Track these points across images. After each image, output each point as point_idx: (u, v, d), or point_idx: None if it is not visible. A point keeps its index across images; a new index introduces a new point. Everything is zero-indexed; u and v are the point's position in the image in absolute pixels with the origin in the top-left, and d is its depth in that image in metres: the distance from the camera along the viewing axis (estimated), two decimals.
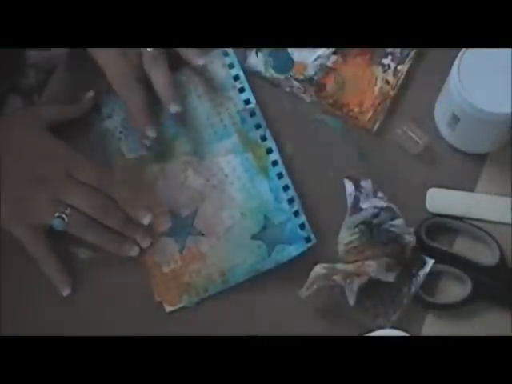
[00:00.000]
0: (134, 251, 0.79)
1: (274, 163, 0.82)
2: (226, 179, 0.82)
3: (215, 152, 0.83)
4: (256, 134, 0.83)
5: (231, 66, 0.85)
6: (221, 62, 0.85)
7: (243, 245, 0.80)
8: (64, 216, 0.76)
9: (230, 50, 0.85)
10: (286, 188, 0.81)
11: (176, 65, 0.84)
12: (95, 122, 0.85)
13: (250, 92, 0.84)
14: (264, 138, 0.83)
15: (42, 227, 0.77)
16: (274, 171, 0.81)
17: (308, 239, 0.79)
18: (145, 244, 0.79)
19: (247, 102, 0.84)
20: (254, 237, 0.80)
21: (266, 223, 0.80)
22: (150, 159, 0.83)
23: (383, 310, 0.78)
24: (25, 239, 0.78)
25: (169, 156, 0.83)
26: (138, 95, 0.79)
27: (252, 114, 0.83)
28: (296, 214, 0.80)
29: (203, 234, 0.80)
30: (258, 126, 0.83)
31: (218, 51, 0.85)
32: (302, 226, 0.79)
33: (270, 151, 0.82)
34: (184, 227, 0.81)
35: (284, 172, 0.81)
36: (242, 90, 0.84)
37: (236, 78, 0.85)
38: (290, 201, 0.80)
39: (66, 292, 0.79)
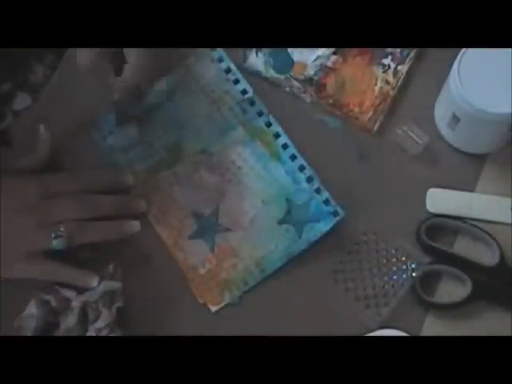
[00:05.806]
0: (136, 226, 0.78)
1: (285, 146, 0.82)
2: (240, 171, 0.82)
3: (223, 147, 0.83)
4: (260, 122, 0.83)
5: (220, 60, 0.85)
6: (209, 58, 0.86)
7: (271, 231, 0.80)
8: (60, 233, 0.75)
9: None
10: (301, 168, 0.82)
11: (168, 65, 0.84)
12: (98, 140, 0.84)
13: (245, 82, 0.84)
14: (269, 124, 0.83)
15: (43, 253, 0.77)
16: (285, 154, 0.82)
17: (336, 213, 0.80)
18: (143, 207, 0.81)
19: (244, 92, 0.84)
20: (280, 221, 0.80)
21: (289, 206, 0.81)
22: (160, 166, 0.83)
23: (374, 301, 0.78)
24: (31, 271, 0.77)
25: (178, 159, 0.83)
26: None
27: (252, 103, 0.84)
28: (318, 191, 0.81)
29: (230, 229, 0.81)
30: (260, 114, 0.84)
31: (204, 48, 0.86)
32: (326, 202, 0.80)
33: (277, 136, 0.83)
34: (210, 226, 0.81)
35: (297, 153, 0.82)
36: (236, 82, 0.85)
37: (227, 71, 0.85)
38: (309, 179, 0.81)
39: (95, 282, 0.77)
